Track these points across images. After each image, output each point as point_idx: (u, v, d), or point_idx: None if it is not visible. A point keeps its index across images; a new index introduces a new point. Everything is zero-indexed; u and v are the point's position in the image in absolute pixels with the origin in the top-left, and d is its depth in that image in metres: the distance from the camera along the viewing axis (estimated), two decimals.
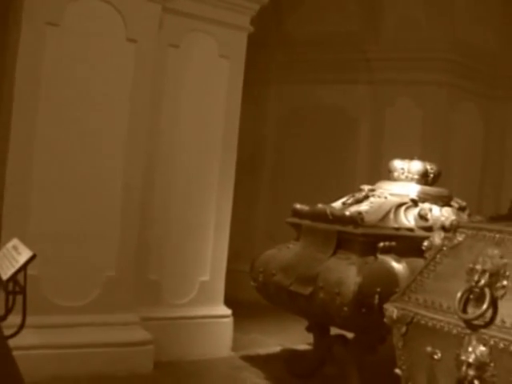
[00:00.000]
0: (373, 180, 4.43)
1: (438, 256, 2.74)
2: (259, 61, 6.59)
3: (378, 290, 3.39)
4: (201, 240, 4.52)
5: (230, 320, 4.67)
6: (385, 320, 2.85)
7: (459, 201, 4.24)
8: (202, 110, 4.52)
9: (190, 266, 4.50)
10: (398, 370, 2.85)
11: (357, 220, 3.62)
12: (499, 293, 2.46)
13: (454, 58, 6.51)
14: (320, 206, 3.92)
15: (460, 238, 2.69)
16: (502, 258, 2.49)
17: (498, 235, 2.55)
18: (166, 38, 4.28)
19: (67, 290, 3.91)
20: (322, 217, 3.84)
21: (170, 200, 4.39)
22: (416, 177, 4.15)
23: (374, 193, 4.06)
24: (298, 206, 4.06)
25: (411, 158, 4.26)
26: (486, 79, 7.07)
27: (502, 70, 7.23)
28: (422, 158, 4.35)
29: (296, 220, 4.08)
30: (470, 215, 4.17)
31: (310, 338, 4.21)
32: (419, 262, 2.99)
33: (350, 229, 3.66)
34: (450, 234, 2.73)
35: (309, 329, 4.15)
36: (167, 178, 4.37)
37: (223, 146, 4.60)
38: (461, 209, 4.16)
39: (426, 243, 2.95)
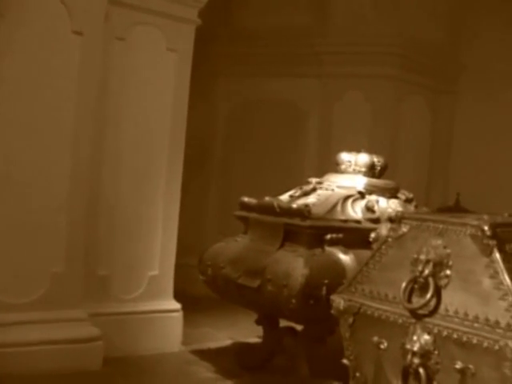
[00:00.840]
0: (322, 173, 4.45)
1: (384, 247, 2.76)
2: (208, 54, 6.56)
3: (326, 281, 3.42)
4: (149, 234, 4.48)
5: (179, 314, 4.64)
6: (332, 311, 2.87)
7: (406, 193, 4.29)
8: (149, 103, 4.47)
9: (138, 261, 4.45)
10: (345, 361, 2.88)
11: (304, 212, 3.64)
12: (443, 282, 2.50)
13: (402, 52, 6.59)
14: (267, 199, 3.93)
15: (405, 229, 2.72)
16: (445, 248, 2.53)
17: (441, 226, 2.59)
18: (111, 31, 4.21)
19: (12, 286, 3.82)
20: (269, 210, 3.85)
21: (117, 194, 4.33)
22: (363, 169, 4.19)
23: (322, 185, 4.08)
24: (246, 199, 4.06)
25: (358, 150, 4.30)
26: (433, 73, 7.17)
27: (448, 64, 7.35)
28: (370, 151, 4.39)
29: (244, 213, 4.08)
30: (416, 207, 4.24)
31: (261, 330, 4.22)
32: (366, 254, 3.00)
33: (297, 221, 3.67)
34: (395, 226, 2.75)
35: (258, 321, 4.16)
36: (114, 172, 4.31)
37: (171, 140, 4.55)
38: (408, 201, 4.22)
39: (372, 235, 2.97)
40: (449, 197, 7.05)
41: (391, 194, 4.19)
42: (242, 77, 7.00)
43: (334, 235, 3.69)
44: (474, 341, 2.35)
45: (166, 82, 4.55)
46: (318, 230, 3.68)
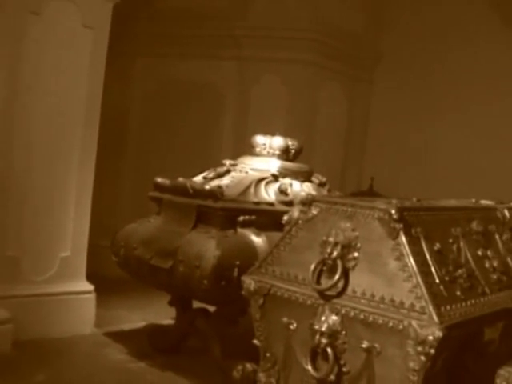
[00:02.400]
0: (239, 155, 4.46)
1: (294, 229, 2.80)
2: (127, 33, 6.47)
3: (238, 263, 3.44)
4: (61, 215, 4.40)
5: (92, 296, 4.58)
6: (243, 292, 2.89)
7: (320, 176, 4.35)
8: (64, 81, 4.36)
9: (50, 242, 4.36)
10: (256, 341, 2.91)
11: (216, 194, 3.64)
12: (350, 264, 2.56)
13: (320, 38, 6.65)
14: (180, 179, 3.91)
15: (315, 211, 2.76)
16: (353, 230, 2.59)
17: (350, 209, 2.64)
18: (26, 5, 4.10)
19: None
20: (182, 191, 3.83)
21: (28, 174, 4.22)
22: (277, 152, 4.23)
23: (236, 167, 4.09)
24: (159, 179, 4.04)
25: (274, 134, 4.32)
26: (351, 60, 7.27)
27: (365, 52, 7.47)
28: (286, 135, 4.42)
29: (157, 194, 4.06)
30: (329, 191, 4.31)
31: (174, 312, 4.22)
32: (279, 236, 3.02)
33: (209, 203, 3.67)
34: (305, 208, 2.79)
35: (171, 303, 4.16)
36: (25, 151, 4.19)
37: (85, 119, 4.47)
38: (321, 184, 4.28)
39: (285, 217, 2.99)
40: (363, 182, 7.21)
41: (305, 177, 4.24)
42: (160, 57, 6.93)
43: (247, 217, 3.71)
44: (380, 321, 2.42)
45: (81, 59, 4.44)
46: (231, 212, 3.69)
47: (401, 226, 2.47)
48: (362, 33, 7.37)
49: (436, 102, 7.13)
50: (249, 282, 2.86)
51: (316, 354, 2.61)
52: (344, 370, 2.56)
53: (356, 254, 2.55)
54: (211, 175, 3.99)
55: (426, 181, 6.79)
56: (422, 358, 2.30)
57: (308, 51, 6.61)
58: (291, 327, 2.72)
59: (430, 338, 2.27)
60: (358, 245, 2.55)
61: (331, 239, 2.59)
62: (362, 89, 7.59)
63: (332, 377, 2.57)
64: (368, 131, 7.65)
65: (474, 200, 3.48)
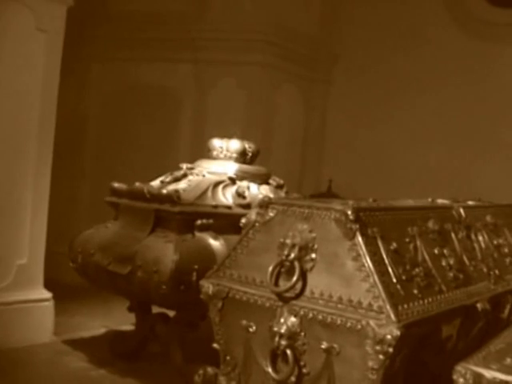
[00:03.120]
0: (197, 159, 4.45)
1: (251, 232, 2.79)
2: (83, 37, 6.44)
3: (196, 267, 3.44)
4: (17, 222, 4.34)
5: (50, 304, 4.53)
6: (201, 296, 2.88)
7: (277, 179, 4.36)
8: (17, 85, 4.31)
9: (5, 249, 4.30)
10: (216, 345, 2.90)
11: (174, 198, 3.63)
12: (308, 265, 2.56)
13: (276, 40, 6.67)
14: (137, 184, 3.90)
15: (271, 213, 2.75)
16: (310, 232, 2.59)
17: (307, 210, 2.64)
18: None
19: None
20: (139, 195, 3.82)
21: None
22: (234, 155, 4.23)
23: (193, 171, 4.09)
24: (116, 184, 4.01)
25: (231, 137, 4.33)
26: (307, 61, 7.31)
27: (321, 53, 7.52)
28: (244, 138, 4.43)
29: (114, 199, 4.03)
30: (287, 193, 4.32)
31: (134, 318, 4.19)
32: (237, 239, 3.03)
33: (167, 207, 3.67)
34: (262, 211, 2.79)
35: (130, 308, 4.14)
36: None
37: (40, 124, 4.42)
38: (279, 187, 4.30)
39: (243, 220, 2.99)
40: (322, 183, 7.25)
41: (262, 180, 4.26)
42: (117, 61, 6.89)
43: (205, 221, 3.71)
44: (338, 321, 2.42)
45: (35, 62, 4.39)
46: (188, 216, 3.69)
47: (357, 226, 2.48)
48: (318, 34, 7.41)
49: (392, 102, 7.21)
50: (207, 286, 2.84)
51: (276, 356, 2.60)
52: (304, 371, 2.56)
53: (313, 256, 2.55)
54: (168, 179, 3.98)
55: (385, 181, 6.85)
56: (381, 356, 2.31)
57: (264, 53, 6.63)
58: (250, 330, 2.71)
59: (388, 336, 2.28)
60: (315, 246, 2.56)
61: (288, 241, 2.60)
62: (318, 90, 7.63)
63: (292, 378, 2.57)
64: (325, 132, 7.69)
65: (430, 199, 3.52)
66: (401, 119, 7.17)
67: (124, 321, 4.70)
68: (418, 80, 7.11)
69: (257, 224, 2.79)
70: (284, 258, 2.58)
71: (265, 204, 2.79)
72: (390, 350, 2.29)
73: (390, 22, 7.30)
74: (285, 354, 2.56)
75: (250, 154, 4.30)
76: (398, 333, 2.27)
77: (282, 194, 4.25)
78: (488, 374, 2.01)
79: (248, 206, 3.81)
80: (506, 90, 6.87)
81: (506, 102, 6.86)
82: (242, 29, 6.54)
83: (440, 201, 3.52)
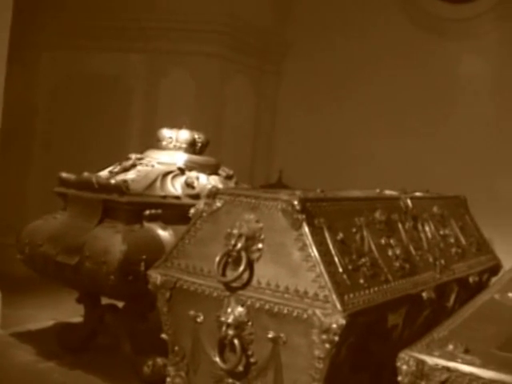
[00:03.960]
0: (147, 150, 4.41)
1: (199, 222, 2.80)
2: (33, 25, 6.33)
3: (144, 257, 3.42)
4: None
5: None
6: (149, 286, 2.87)
7: (227, 169, 4.36)
8: None
9: None
10: (164, 335, 2.90)
11: (122, 188, 3.60)
12: (255, 255, 2.57)
13: (228, 31, 6.66)
14: (86, 174, 3.85)
15: (219, 204, 2.76)
16: (257, 222, 2.60)
17: (253, 201, 2.65)
18: None
19: None
20: (88, 186, 3.77)
21: None
22: (184, 146, 4.22)
23: (142, 161, 4.06)
24: (64, 174, 3.96)
25: (180, 127, 4.31)
26: (258, 52, 7.31)
27: (272, 44, 7.53)
28: (195, 128, 4.41)
29: (62, 189, 3.98)
30: (237, 183, 4.32)
31: (83, 309, 4.16)
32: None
33: (115, 197, 3.63)
34: (209, 201, 2.79)
35: (79, 300, 4.09)
36: None
37: None
38: (228, 177, 4.30)
39: (192, 211, 2.98)
40: (273, 174, 7.27)
41: (212, 170, 4.25)
42: (67, 50, 6.80)
43: (153, 211, 3.69)
44: (285, 311, 2.44)
45: None
46: (137, 206, 3.66)
47: (303, 216, 2.50)
48: (269, 25, 7.42)
49: (342, 92, 7.25)
50: (155, 276, 2.84)
51: (224, 346, 2.62)
52: (252, 360, 2.57)
53: (260, 246, 2.56)
54: (117, 169, 3.94)
55: (336, 171, 6.89)
56: (327, 345, 2.33)
57: (216, 44, 6.62)
58: (198, 320, 2.72)
59: (334, 325, 2.31)
60: (262, 236, 2.57)
61: (235, 231, 2.61)
62: (269, 81, 7.64)
63: (240, 368, 2.59)
64: (276, 123, 7.71)
65: (378, 190, 3.56)
66: (350, 109, 7.23)
67: (73, 313, 4.64)
68: (367, 70, 7.17)
69: (204, 214, 2.80)
70: (231, 248, 2.59)
71: (212, 194, 2.80)
72: (336, 338, 2.31)
73: (340, 11, 7.35)
74: (232, 343, 2.57)
75: (199, 145, 4.29)
76: (343, 322, 2.30)
77: (232, 184, 4.25)
78: (430, 360, 2.05)
79: (197, 197, 3.81)
80: (451, 83, 6.98)
81: (451, 95, 6.97)
82: (193, 19, 6.52)
83: (388, 192, 3.56)
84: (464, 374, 1.98)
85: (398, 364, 2.10)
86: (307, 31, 7.50)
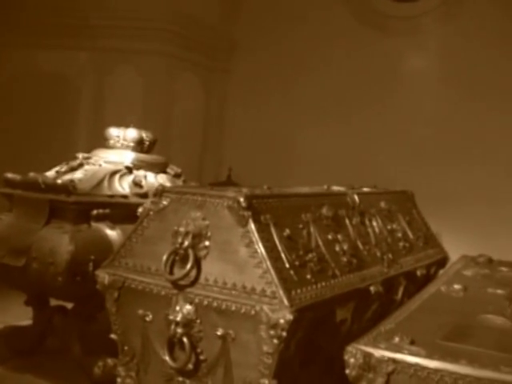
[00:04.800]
0: (95, 149, 4.37)
1: (146, 221, 2.79)
2: None
3: (92, 257, 3.38)
4: None
5: None
6: (97, 286, 2.85)
7: (175, 168, 4.34)
8: None
9: None
10: (113, 336, 2.88)
11: (69, 188, 3.55)
12: (202, 253, 2.57)
13: (175, 28, 6.65)
14: (32, 174, 3.78)
15: (165, 202, 2.75)
16: (204, 219, 2.60)
17: (200, 198, 2.65)
18: None
19: None
20: (34, 186, 3.70)
21: None
22: (131, 144, 4.19)
23: (89, 161, 4.01)
24: (10, 175, 3.88)
25: (127, 125, 4.28)
26: (206, 50, 7.32)
27: (220, 41, 7.54)
28: (143, 127, 4.39)
29: (8, 190, 3.91)
30: (185, 181, 4.31)
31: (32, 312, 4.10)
32: None
33: (62, 197, 3.57)
34: (156, 199, 2.78)
35: (28, 302, 4.03)
36: None
37: None
38: (176, 175, 4.28)
39: (140, 210, 2.97)
40: (223, 172, 7.27)
41: (160, 169, 4.23)
42: (13, 48, 6.71)
43: (101, 211, 3.65)
44: (233, 307, 2.45)
45: None
46: (84, 206, 3.62)
47: (249, 213, 2.51)
48: (217, 22, 7.44)
49: (289, 90, 7.31)
50: (103, 276, 2.82)
51: (173, 344, 2.61)
52: (201, 358, 2.58)
53: (207, 243, 2.57)
54: (64, 169, 3.89)
55: (285, 168, 6.95)
56: (275, 341, 2.35)
57: (163, 42, 6.61)
58: (147, 319, 2.71)
59: (282, 321, 2.32)
60: (209, 234, 2.57)
61: (182, 229, 2.60)
62: (218, 78, 7.65)
63: (190, 366, 2.59)
64: (225, 121, 7.72)
65: (325, 186, 3.59)
66: (298, 105, 7.28)
67: (21, 315, 4.57)
68: (313, 66, 7.25)
69: (151, 213, 2.79)
70: (178, 246, 2.59)
71: (159, 193, 2.79)
72: (284, 334, 2.33)
73: (286, 7, 7.40)
74: (181, 341, 2.57)
75: (147, 143, 4.27)
76: (290, 317, 2.32)
77: (180, 182, 4.23)
78: (377, 352, 2.08)
79: (145, 196, 3.78)
80: (394, 79, 7.09)
81: (394, 90, 7.07)
82: (141, 16, 6.50)
83: (335, 188, 3.59)
84: (410, 365, 2.03)
85: (346, 357, 2.14)
86: (254, 28, 7.53)
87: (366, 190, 3.83)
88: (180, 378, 2.65)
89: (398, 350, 2.10)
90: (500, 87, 6.88)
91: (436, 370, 2.00)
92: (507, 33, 6.84)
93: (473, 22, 6.96)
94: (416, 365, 2.03)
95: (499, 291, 3.15)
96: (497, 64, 6.89)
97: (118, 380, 2.89)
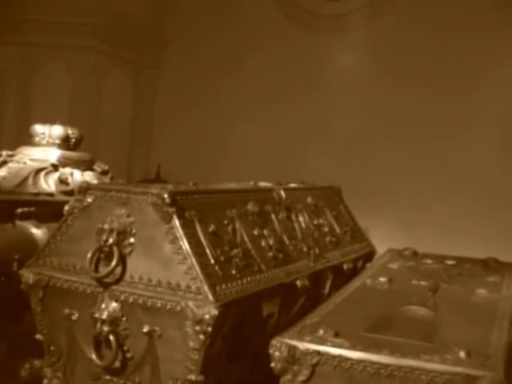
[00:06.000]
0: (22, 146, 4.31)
1: (70, 218, 2.76)
2: None
3: (17, 257, 3.32)
4: None
5: None
6: (22, 286, 2.81)
7: (102, 165, 4.31)
8: None
9: None
10: (39, 336, 2.85)
11: None
12: (127, 250, 2.56)
13: (103, 24, 6.60)
14: None
15: (89, 199, 2.73)
16: (128, 216, 2.59)
17: (124, 195, 2.64)
18: None
19: None
20: None
21: None
22: (57, 141, 4.14)
23: (13, 158, 3.96)
24: None
25: (53, 122, 4.23)
26: (136, 46, 7.29)
27: (150, 38, 7.51)
28: (71, 124, 4.34)
29: None
30: (112, 178, 4.28)
31: None
32: None
33: None
34: (80, 196, 2.76)
35: None
36: None
37: None
38: (104, 173, 4.25)
39: (66, 207, 2.94)
40: (152, 169, 7.23)
41: (86, 166, 4.19)
42: None
43: (26, 209, 3.60)
44: (158, 304, 2.44)
45: None
46: (8, 205, 3.55)
47: (173, 209, 2.51)
48: (147, 18, 7.41)
49: (219, 87, 7.33)
50: (27, 276, 2.78)
51: (99, 343, 2.59)
52: (128, 355, 2.56)
53: (132, 240, 2.56)
54: None
55: (215, 165, 6.97)
56: (201, 336, 2.36)
57: (92, 38, 6.55)
58: (73, 318, 2.68)
59: (207, 316, 2.33)
60: (134, 230, 2.56)
61: (106, 226, 2.59)
62: (147, 75, 7.62)
63: (117, 364, 2.57)
64: (155, 118, 7.70)
65: (252, 182, 3.61)
66: (227, 102, 7.32)
67: None
68: (242, 62, 7.29)
69: (75, 210, 2.76)
70: (102, 243, 2.57)
71: (83, 190, 2.76)
72: (209, 329, 2.34)
73: (216, 4, 7.42)
74: (108, 339, 2.55)
75: (73, 140, 4.22)
76: (215, 312, 2.33)
77: (107, 180, 4.21)
78: (301, 345, 2.13)
79: (71, 193, 3.74)
80: (323, 76, 7.19)
81: (323, 87, 7.17)
82: (68, 11, 6.42)
83: (262, 184, 3.61)
84: (333, 357, 2.08)
85: (271, 351, 2.17)
86: (184, 24, 7.54)
87: (292, 185, 3.87)
88: (107, 377, 2.63)
89: (322, 342, 2.14)
90: (427, 84, 7.05)
91: (359, 361, 2.06)
92: (431, 29, 7.01)
93: (399, 20, 7.11)
94: (339, 356, 2.08)
95: (423, 283, 3.25)
96: (423, 60, 7.05)
97: (45, 381, 2.86)
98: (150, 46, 7.47)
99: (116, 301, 2.55)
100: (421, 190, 6.87)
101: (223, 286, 2.48)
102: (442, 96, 7.07)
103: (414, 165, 6.96)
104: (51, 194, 3.83)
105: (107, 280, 2.56)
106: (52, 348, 2.82)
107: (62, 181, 3.91)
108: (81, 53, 6.51)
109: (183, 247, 2.46)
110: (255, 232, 2.98)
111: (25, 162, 3.92)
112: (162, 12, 7.67)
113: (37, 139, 4.16)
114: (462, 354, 2.06)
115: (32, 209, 3.63)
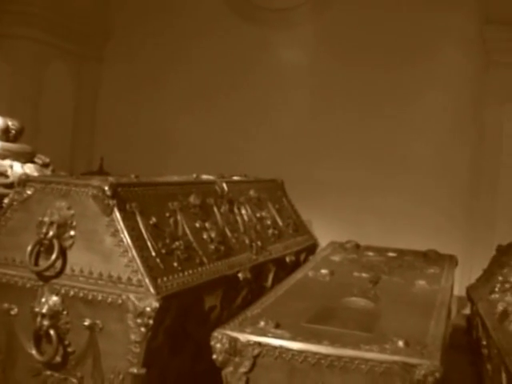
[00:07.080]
0: None
1: (9, 211, 2.72)
2: None
3: None
4: None
5: None
6: None
7: (43, 157, 4.24)
8: None
9: None
10: None
11: None
12: (67, 243, 2.54)
13: (45, 13, 6.50)
14: None
15: (29, 192, 2.70)
16: (69, 209, 2.57)
17: (64, 187, 2.61)
18: None
19: None
20: None
21: None
22: None
23: None
24: None
25: None
26: (78, 37, 7.19)
27: (94, 29, 7.41)
28: (10, 115, 4.27)
29: None
30: (54, 171, 4.22)
31: None
32: None
33: None
34: (19, 189, 2.72)
35: None
36: None
37: None
38: (44, 165, 4.18)
39: (6, 200, 2.89)
40: (96, 162, 7.17)
41: (27, 158, 4.12)
42: None
43: None
44: (100, 297, 2.43)
45: None
46: None
47: (114, 202, 2.50)
48: (91, 9, 7.30)
49: (163, 79, 7.31)
50: None
51: (39, 338, 2.56)
52: (69, 350, 2.54)
53: (72, 233, 2.54)
54: None
55: (158, 158, 6.94)
56: (142, 329, 2.35)
57: (32, 27, 6.43)
58: (12, 313, 2.64)
59: (148, 309, 2.33)
60: (74, 223, 2.54)
61: (46, 219, 2.56)
62: (90, 67, 7.53)
63: (58, 358, 2.55)
64: (98, 110, 7.62)
65: (194, 175, 3.61)
66: (171, 95, 7.30)
67: None
68: (186, 55, 7.28)
69: (14, 203, 2.72)
70: (42, 236, 2.54)
71: (22, 182, 2.73)
72: (151, 322, 2.34)
73: None
74: (48, 334, 2.53)
75: (13, 132, 4.14)
76: (156, 305, 2.33)
77: (48, 172, 4.15)
78: (242, 337, 2.15)
79: (11, 186, 3.67)
80: (269, 70, 7.22)
81: (269, 82, 7.20)
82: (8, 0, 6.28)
83: (204, 176, 3.62)
84: (274, 348, 2.11)
85: (212, 343, 2.19)
86: (128, 15, 7.48)
87: (235, 178, 3.88)
88: (48, 372, 2.60)
89: (263, 333, 2.17)
90: (373, 77, 7.13)
91: (300, 352, 2.09)
92: (376, 21, 7.08)
93: (344, 13, 7.17)
94: (280, 347, 2.11)
95: (364, 275, 3.30)
96: (369, 57, 7.12)
97: None
98: (93, 38, 7.37)
99: (56, 294, 2.53)
100: (364, 183, 6.95)
101: (165, 279, 2.48)
102: (387, 89, 7.16)
103: (358, 158, 7.04)
104: None
105: (47, 273, 2.54)
106: None
107: (1, 173, 3.84)
108: (20, 42, 6.37)
109: (124, 240, 2.45)
110: (197, 224, 2.98)
111: None
112: (106, 3, 7.59)
113: None
114: (401, 343, 2.11)
115: None
